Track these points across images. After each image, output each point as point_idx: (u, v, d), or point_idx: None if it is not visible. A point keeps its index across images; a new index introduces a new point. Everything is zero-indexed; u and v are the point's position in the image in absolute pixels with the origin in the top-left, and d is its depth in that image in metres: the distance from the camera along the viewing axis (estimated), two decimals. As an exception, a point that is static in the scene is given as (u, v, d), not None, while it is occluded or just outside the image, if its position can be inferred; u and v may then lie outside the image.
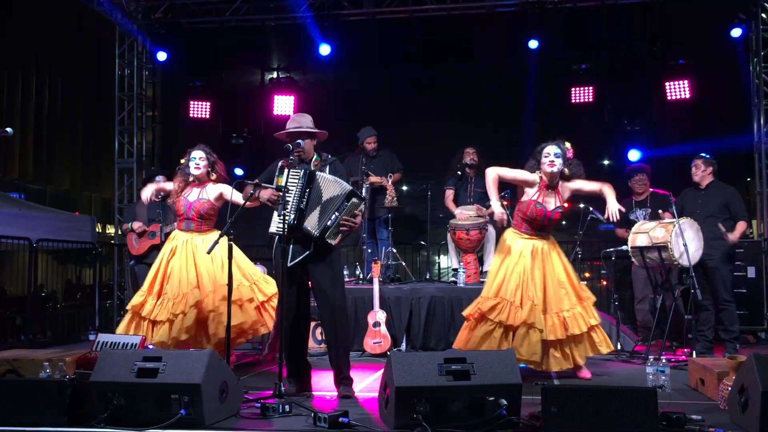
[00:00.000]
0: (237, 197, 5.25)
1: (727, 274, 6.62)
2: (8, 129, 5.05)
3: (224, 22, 10.45)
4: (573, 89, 9.78)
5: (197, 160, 5.81)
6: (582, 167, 5.56)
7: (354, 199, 4.82)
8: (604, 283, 8.98)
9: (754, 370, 3.61)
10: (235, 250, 5.71)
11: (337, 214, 4.75)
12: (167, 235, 6.97)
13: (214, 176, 5.88)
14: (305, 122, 5.06)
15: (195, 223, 5.84)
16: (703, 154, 6.84)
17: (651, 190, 7.28)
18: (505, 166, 5.55)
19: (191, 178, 5.85)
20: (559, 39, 9.83)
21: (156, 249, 7.21)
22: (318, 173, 4.85)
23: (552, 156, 5.35)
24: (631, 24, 9.83)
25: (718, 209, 6.63)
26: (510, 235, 5.52)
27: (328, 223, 4.75)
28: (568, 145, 5.53)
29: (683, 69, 9.51)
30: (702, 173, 6.74)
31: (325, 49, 10.20)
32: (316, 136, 5.08)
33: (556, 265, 5.41)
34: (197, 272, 5.71)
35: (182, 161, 5.93)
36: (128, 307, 5.90)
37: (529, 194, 5.43)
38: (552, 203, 5.41)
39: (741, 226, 6.58)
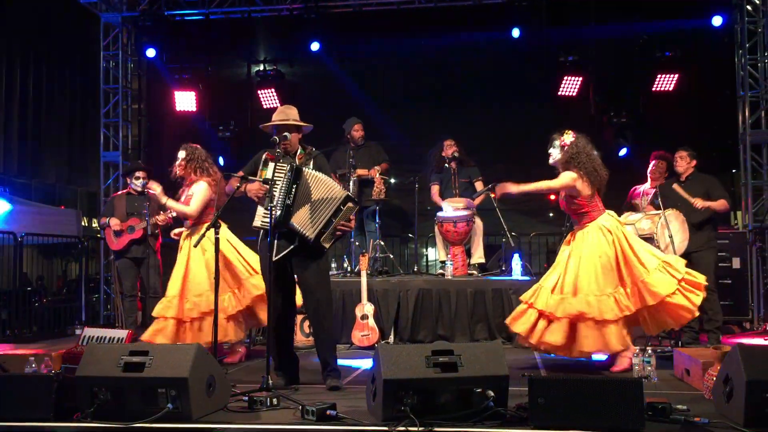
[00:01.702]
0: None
1: (710, 262, 6.65)
2: None
3: (210, 14, 10.38)
4: (560, 81, 9.78)
5: (179, 160, 5.98)
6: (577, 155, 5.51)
7: (350, 204, 4.83)
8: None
9: (739, 360, 3.63)
10: (229, 243, 5.87)
11: (333, 220, 4.77)
12: (154, 226, 6.95)
13: (199, 173, 5.98)
14: (292, 115, 5.05)
15: (186, 222, 6.06)
16: (687, 147, 6.86)
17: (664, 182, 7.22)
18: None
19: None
20: (546, 31, 9.84)
21: (136, 243, 7.17)
22: (305, 170, 4.84)
23: (550, 150, 5.56)
24: (619, 15, 9.84)
25: (705, 198, 6.64)
26: None
27: (322, 227, 4.76)
28: (566, 136, 5.54)
29: (670, 61, 9.53)
30: (687, 165, 6.75)
31: (314, 46, 10.17)
32: (302, 129, 5.07)
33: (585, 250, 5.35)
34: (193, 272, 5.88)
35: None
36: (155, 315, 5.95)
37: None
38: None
39: (722, 202, 6.55)
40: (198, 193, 5.91)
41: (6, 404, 3.93)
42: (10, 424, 3.83)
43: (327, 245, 4.84)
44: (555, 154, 5.50)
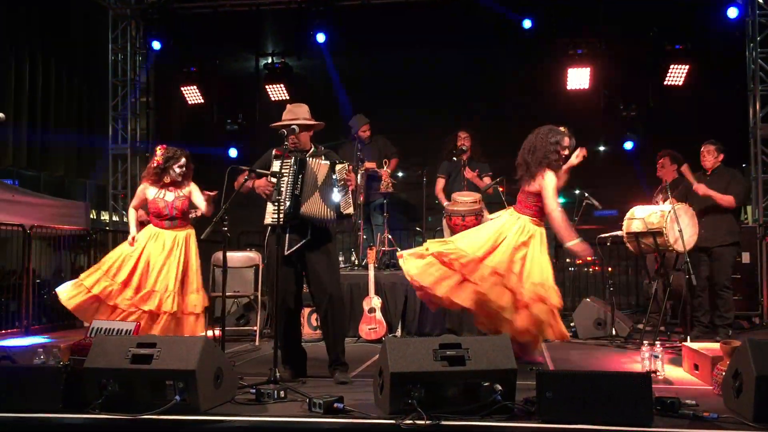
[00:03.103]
0: (199, 199, 6.10)
1: (729, 260, 6.61)
2: (0, 114, 5.03)
3: (218, 7, 10.39)
4: (568, 74, 9.73)
5: (184, 168, 6.15)
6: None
7: (337, 166, 4.83)
8: (597, 268, 9.01)
9: (749, 354, 3.61)
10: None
11: (335, 190, 4.79)
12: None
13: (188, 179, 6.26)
14: (301, 113, 5.04)
15: (179, 221, 6.18)
16: (714, 141, 6.77)
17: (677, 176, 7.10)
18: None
19: (167, 179, 6.14)
20: (555, 23, 9.79)
21: None
22: (309, 160, 4.84)
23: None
24: (628, 7, 9.79)
25: (723, 192, 6.58)
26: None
27: (335, 202, 4.78)
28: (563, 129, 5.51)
29: (680, 54, 9.48)
30: (714, 159, 6.69)
31: (320, 37, 10.15)
32: (312, 127, 5.06)
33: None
34: (183, 272, 6.05)
35: (157, 160, 6.16)
36: (87, 285, 5.98)
37: None
38: None
39: (728, 198, 6.51)
40: (197, 191, 6.20)
41: (15, 396, 3.94)
42: (18, 415, 3.85)
43: (350, 211, 4.87)
44: None
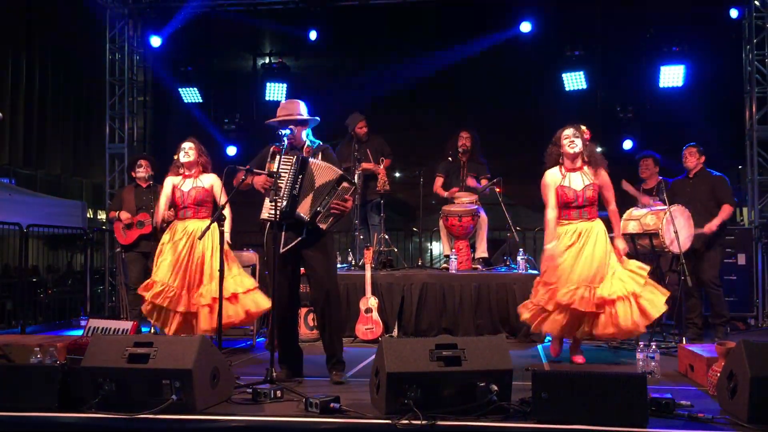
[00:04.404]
0: (221, 195, 5.70)
1: (715, 257, 6.65)
2: None
3: (215, 7, 10.38)
4: (565, 76, 9.75)
5: (187, 149, 6.02)
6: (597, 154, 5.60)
7: (345, 184, 4.80)
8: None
9: (743, 356, 3.63)
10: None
11: (328, 199, 4.76)
12: (163, 222, 6.96)
13: (207, 167, 6.10)
14: (296, 109, 5.03)
15: (191, 210, 6.00)
16: (695, 143, 6.88)
17: (660, 178, 7.13)
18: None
19: (181, 170, 6.06)
20: (552, 25, 9.81)
21: (145, 238, 7.18)
22: (311, 159, 4.84)
23: (571, 137, 5.50)
24: (625, 9, 9.80)
25: (707, 196, 6.68)
26: (559, 230, 5.50)
27: (319, 207, 4.75)
28: (584, 128, 5.57)
29: (677, 56, 9.49)
30: (696, 161, 6.80)
31: (312, 35, 10.15)
32: (308, 123, 5.07)
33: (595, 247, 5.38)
34: (201, 264, 5.89)
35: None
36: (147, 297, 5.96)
37: (556, 184, 5.51)
38: (580, 183, 5.46)
39: (725, 208, 6.61)
40: (218, 186, 6.00)
41: (11, 394, 3.94)
42: (15, 414, 3.85)
43: (323, 226, 4.79)
44: (580, 145, 5.51)
